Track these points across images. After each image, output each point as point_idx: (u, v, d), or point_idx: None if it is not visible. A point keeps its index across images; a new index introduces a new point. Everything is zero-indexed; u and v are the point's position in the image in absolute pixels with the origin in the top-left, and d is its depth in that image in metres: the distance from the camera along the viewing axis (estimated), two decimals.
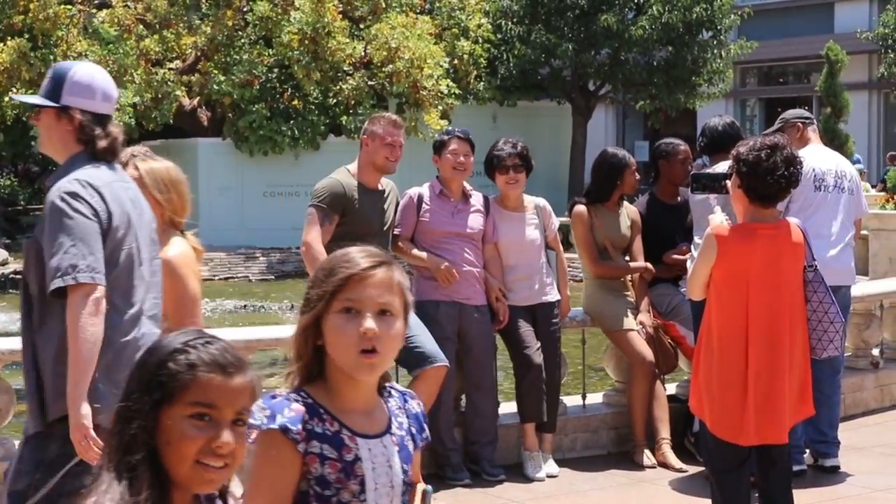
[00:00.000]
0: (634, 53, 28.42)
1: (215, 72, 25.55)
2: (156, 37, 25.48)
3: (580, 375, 8.31)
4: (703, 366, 5.44)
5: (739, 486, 5.49)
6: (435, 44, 25.74)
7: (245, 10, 26.08)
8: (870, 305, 8.91)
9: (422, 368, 6.67)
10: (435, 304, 7.03)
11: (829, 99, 25.75)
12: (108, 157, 4.30)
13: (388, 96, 25.92)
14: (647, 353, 7.43)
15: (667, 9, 27.26)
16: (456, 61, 26.73)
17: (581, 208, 7.65)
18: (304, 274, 7.34)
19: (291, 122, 26.15)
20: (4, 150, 31.06)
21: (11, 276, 21.07)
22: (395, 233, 7.08)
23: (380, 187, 6.97)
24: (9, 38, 24.90)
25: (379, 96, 26.06)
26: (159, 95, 24.93)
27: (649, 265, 7.60)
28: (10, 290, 20.46)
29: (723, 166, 6.17)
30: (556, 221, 7.59)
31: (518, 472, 7.19)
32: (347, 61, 25.25)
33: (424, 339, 6.75)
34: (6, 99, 23.94)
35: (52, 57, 25.05)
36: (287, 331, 7.54)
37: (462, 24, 27.31)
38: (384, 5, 26.29)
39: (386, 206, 6.97)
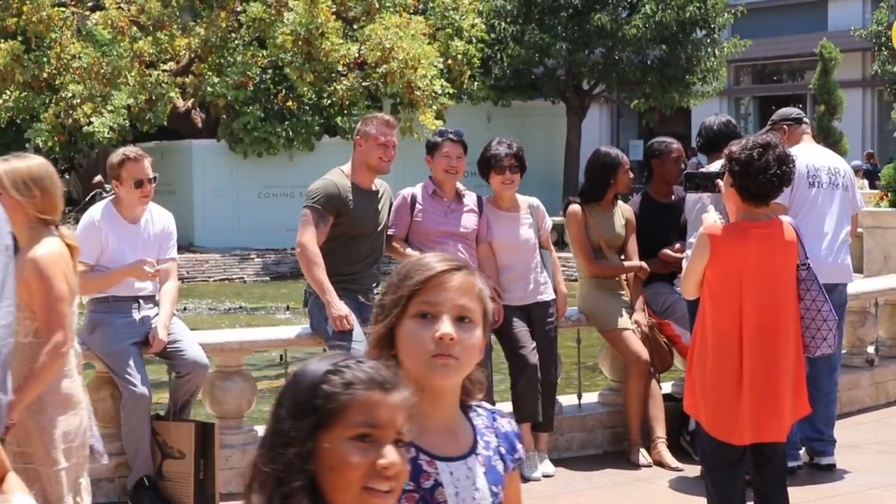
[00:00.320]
0: (628, 52, 28.44)
1: (209, 73, 25.53)
2: (149, 38, 25.46)
3: (576, 375, 8.31)
4: (696, 365, 5.44)
5: (734, 485, 5.49)
6: (429, 44, 25.73)
7: (238, 11, 26.06)
8: (865, 303, 8.91)
9: None
10: None
11: (822, 97, 25.78)
12: None
13: (382, 97, 25.91)
14: (643, 352, 7.44)
15: (660, 7, 27.28)
16: (450, 61, 26.73)
17: (575, 208, 7.65)
18: (300, 275, 7.34)
19: (286, 123, 26.14)
20: None
21: None
22: (389, 233, 7.08)
23: (374, 187, 6.97)
24: (2, 40, 24.90)
25: (373, 97, 26.05)
26: (153, 97, 24.91)
27: (644, 264, 7.60)
28: None
29: (719, 165, 6.18)
30: (549, 221, 7.60)
31: None
32: (341, 62, 25.23)
33: None
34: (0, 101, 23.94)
35: (45, 59, 25.06)
36: (282, 332, 7.54)
37: (456, 24, 27.30)
38: (378, 6, 26.28)
39: (380, 207, 6.97)
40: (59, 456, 4.74)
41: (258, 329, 8.56)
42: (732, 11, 29.34)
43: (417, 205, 7.14)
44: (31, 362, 4.61)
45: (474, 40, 27.34)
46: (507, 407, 7.43)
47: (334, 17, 25.53)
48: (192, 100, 26.67)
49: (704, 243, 5.35)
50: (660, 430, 7.46)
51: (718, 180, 5.66)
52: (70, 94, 24.29)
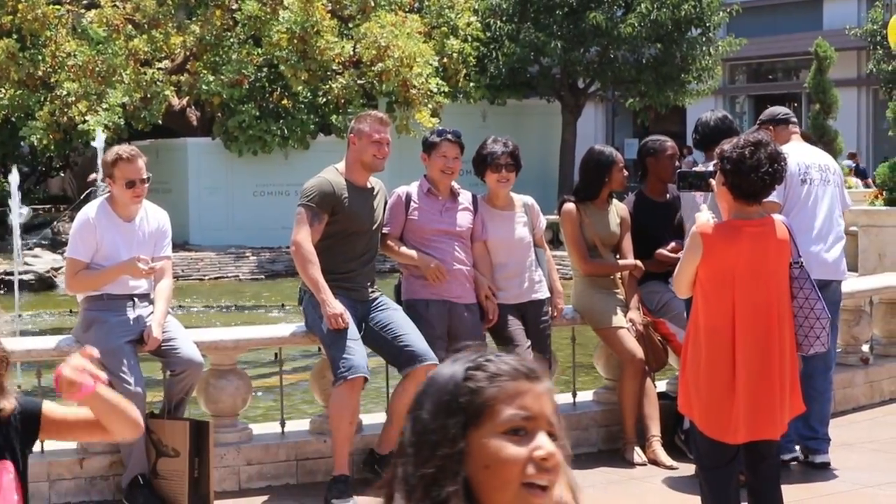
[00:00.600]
0: (623, 51, 28.45)
1: (204, 71, 25.51)
2: (145, 37, 25.43)
3: (570, 373, 8.32)
4: (690, 364, 5.44)
5: (728, 484, 5.50)
6: (424, 42, 25.73)
7: (234, 9, 26.04)
8: (859, 302, 8.92)
9: (412, 367, 6.68)
10: (425, 303, 7.03)
11: (817, 95, 25.79)
12: None
13: (377, 95, 25.91)
14: (637, 350, 7.44)
15: (655, 6, 27.29)
16: (445, 60, 26.72)
17: (570, 206, 7.65)
18: (295, 273, 7.34)
19: (281, 121, 26.13)
20: None
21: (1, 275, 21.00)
22: (384, 231, 7.08)
23: (368, 185, 6.97)
24: None
25: (368, 95, 26.05)
26: (148, 95, 24.88)
27: (639, 262, 7.61)
28: None
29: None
30: (543, 220, 7.61)
31: None
32: (336, 60, 25.23)
33: (414, 337, 6.76)
34: None
35: (40, 57, 25.03)
36: (277, 330, 7.54)
37: (451, 23, 27.30)
38: (373, 4, 26.27)
39: (375, 205, 6.97)
40: None
41: (253, 327, 8.56)
42: (728, 10, 29.37)
43: (412, 203, 7.14)
44: None
45: (470, 39, 27.34)
46: None
47: (329, 15, 25.52)
48: (188, 98, 26.65)
49: (697, 242, 5.35)
50: (654, 429, 7.46)
51: (711, 179, 5.66)
52: (65, 92, 24.26)
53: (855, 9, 33.67)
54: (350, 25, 26.30)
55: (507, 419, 2.00)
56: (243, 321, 15.26)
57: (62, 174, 34.73)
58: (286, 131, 25.96)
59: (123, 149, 6.68)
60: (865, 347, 9.09)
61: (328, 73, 25.48)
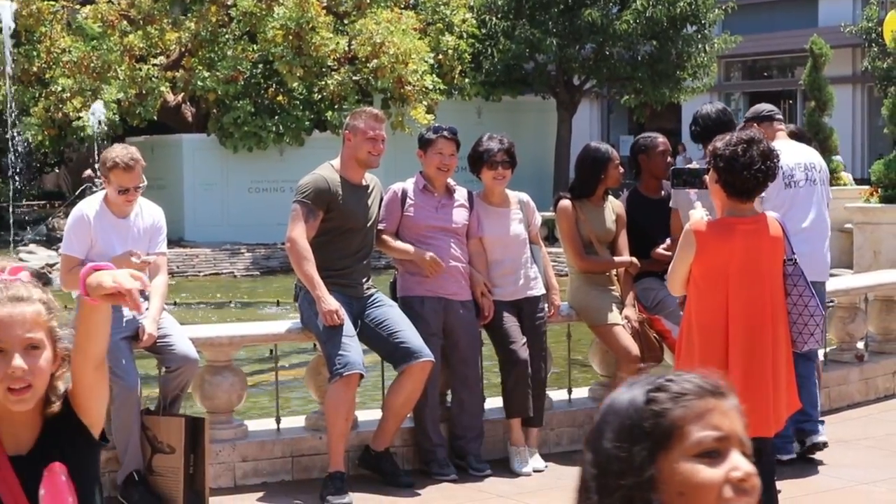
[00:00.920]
0: (619, 48, 28.44)
1: (199, 68, 25.50)
2: (140, 33, 25.41)
3: (566, 370, 8.32)
4: (683, 362, 5.45)
5: None
6: (419, 39, 25.72)
7: (229, 5, 26.02)
8: (854, 299, 8.93)
9: (407, 364, 6.69)
10: (420, 300, 7.04)
11: (813, 93, 25.78)
12: None
13: (372, 91, 25.89)
14: (633, 347, 7.44)
15: (651, 3, 27.28)
16: (440, 56, 26.72)
17: (566, 203, 7.65)
18: (290, 270, 7.33)
19: (276, 117, 26.11)
20: None
21: None
22: (379, 227, 7.08)
23: (364, 182, 6.97)
24: None
25: (363, 92, 26.03)
26: (143, 91, 24.87)
27: (634, 259, 7.61)
28: None
29: None
30: (538, 216, 7.61)
31: (504, 467, 7.19)
32: (332, 57, 25.22)
33: (410, 334, 6.76)
34: None
35: (35, 53, 25.01)
36: (273, 327, 7.54)
37: (447, 20, 27.30)
38: (368, 0, 26.26)
39: (370, 202, 6.97)
40: None
41: (248, 324, 8.55)
42: (723, 7, 29.37)
43: (408, 200, 7.14)
44: None
45: (465, 35, 27.34)
46: (497, 402, 7.45)
47: (325, 11, 25.51)
48: (183, 94, 26.62)
49: (690, 240, 5.35)
50: None
51: (706, 176, 5.67)
52: (60, 88, 24.24)
53: (850, 6, 33.72)
54: (345, 22, 26.28)
55: (699, 441, 1.88)
56: (239, 318, 15.26)
57: (57, 170, 34.72)
58: (281, 128, 25.94)
59: (123, 156, 6.49)
60: (860, 344, 9.10)
61: (323, 69, 25.46)
